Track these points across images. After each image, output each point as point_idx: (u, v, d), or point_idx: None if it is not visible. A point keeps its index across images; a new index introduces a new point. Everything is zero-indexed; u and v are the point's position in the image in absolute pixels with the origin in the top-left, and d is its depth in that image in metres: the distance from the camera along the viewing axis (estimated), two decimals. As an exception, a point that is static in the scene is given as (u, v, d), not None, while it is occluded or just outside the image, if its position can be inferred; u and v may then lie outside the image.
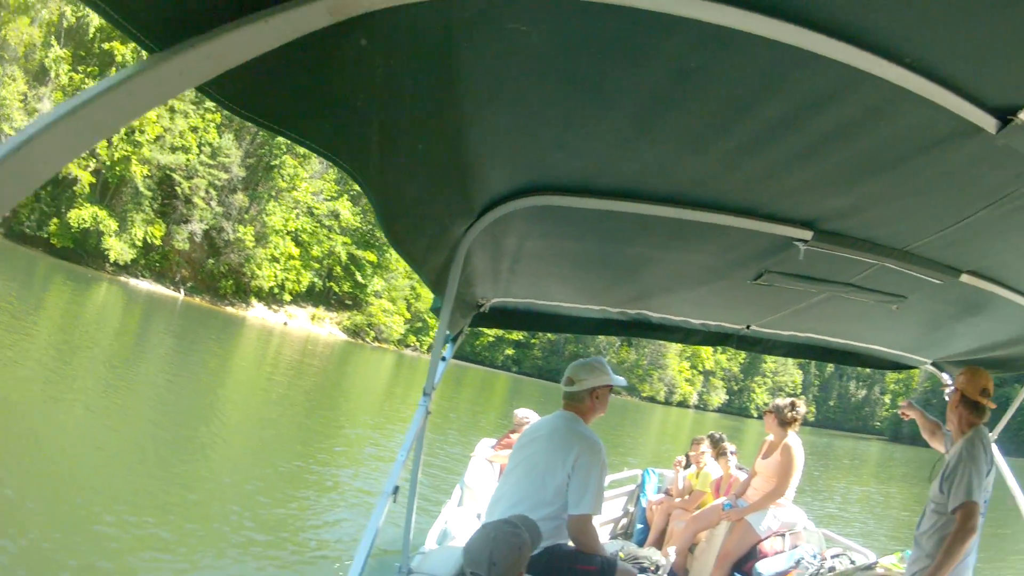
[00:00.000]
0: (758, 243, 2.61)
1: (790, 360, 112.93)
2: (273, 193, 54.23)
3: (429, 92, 1.48)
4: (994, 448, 3.63)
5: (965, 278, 2.92)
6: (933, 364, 4.85)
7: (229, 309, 50.67)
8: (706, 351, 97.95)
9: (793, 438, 5.12)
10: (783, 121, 1.69)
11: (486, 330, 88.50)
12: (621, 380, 3.69)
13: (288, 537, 7.63)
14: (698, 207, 2.33)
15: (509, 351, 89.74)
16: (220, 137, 49.72)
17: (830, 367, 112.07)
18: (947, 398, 3.55)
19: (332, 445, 13.49)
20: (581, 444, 3.40)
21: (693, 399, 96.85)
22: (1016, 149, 1.70)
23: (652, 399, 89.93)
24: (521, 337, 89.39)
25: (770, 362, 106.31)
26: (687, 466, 6.80)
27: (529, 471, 3.51)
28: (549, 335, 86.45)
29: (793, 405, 5.21)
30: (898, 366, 5.11)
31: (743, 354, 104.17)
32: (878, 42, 1.36)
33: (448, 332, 3.75)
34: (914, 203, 2.26)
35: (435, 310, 2.84)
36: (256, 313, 52.72)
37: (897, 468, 35.38)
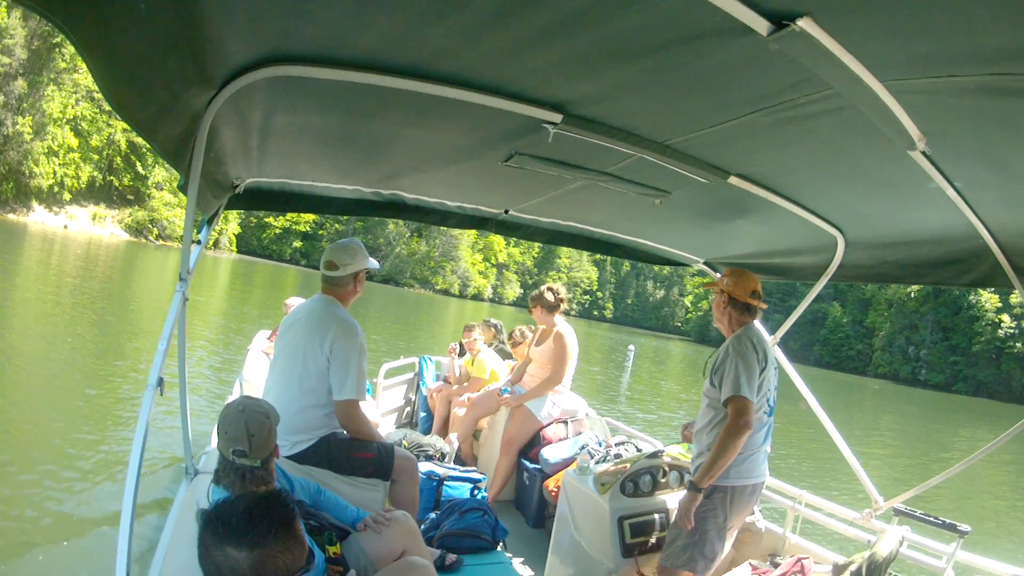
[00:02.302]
0: (506, 123, 2.67)
1: (584, 255, 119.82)
2: (53, 76, 52.14)
3: None
4: (778, 350, 4.03)
5: (734, 180, 3.12)
6: (706, 264, 5.27)
7: (11, 217, 50.18)
8: (498, 243, 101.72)
9: (564, 325, 5.42)
10: None
11: (273, 223, 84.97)
12: (375, 263, 4.02)
13: (74, 445, 7.40)
14: (441, 82, 2.34)
15: (297, 243, 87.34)
16: (8, 16, 45.40)
17: (626, 265, 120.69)
18: (710, 300, 3.79)
19: (121, 353, 12.82)
20: (337, 327, 3.58)
21: (488, 292, 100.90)
22: (791, 57, 1.74)
23: (446, 292, 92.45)
24: (308, 228, 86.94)
25: (565, 257, 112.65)
26: (461, 354, 7.20)
27: (291, 356, 3.64)
28: (337, 226, 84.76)
29: (550, 289, 5.52)
30: (669, 262, 5.47)
31: (536, 248, 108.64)
32: None
33: (203, 215, 3.65)
34: (673, 97, 2.32)
35: (182, 188, 2.70)
36: (37, 218, 52.58)
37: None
